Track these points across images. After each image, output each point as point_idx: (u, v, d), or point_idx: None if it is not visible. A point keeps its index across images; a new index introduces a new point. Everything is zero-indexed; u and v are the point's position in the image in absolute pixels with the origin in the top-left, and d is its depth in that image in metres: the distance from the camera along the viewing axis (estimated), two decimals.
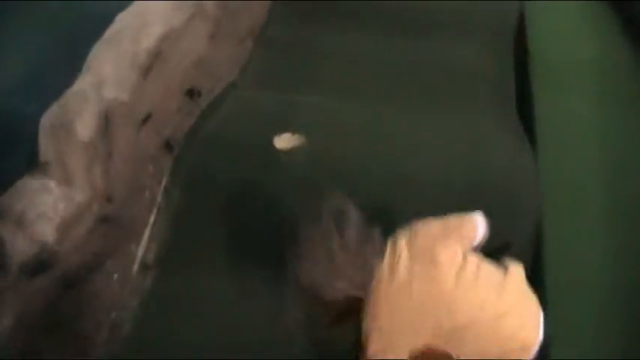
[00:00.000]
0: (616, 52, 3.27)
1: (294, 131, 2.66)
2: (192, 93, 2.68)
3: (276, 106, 2.84)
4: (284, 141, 2.65)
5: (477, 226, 1.23)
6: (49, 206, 1.93)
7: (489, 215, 2.09)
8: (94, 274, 2.13)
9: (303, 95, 2.38)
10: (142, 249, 2.40)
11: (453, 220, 1.22)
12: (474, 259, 1.10)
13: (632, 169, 2.66)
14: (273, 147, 2.65)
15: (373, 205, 2.03)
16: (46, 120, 2.03)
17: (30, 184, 1.96)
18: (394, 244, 1.18)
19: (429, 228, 1.20)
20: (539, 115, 2.71)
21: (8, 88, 1.93)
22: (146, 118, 2.40)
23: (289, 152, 2.61)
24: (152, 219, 2.47)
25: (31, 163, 2.00)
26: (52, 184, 1.98)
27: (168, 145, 2.57)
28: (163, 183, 2.56)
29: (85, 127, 2.05)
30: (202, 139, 2.71)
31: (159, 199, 2.53)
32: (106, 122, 2.14)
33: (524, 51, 3.12)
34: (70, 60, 2.20)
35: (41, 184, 1.97)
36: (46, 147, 2.01)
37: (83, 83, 2.20)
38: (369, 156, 2.54)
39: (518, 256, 1.87)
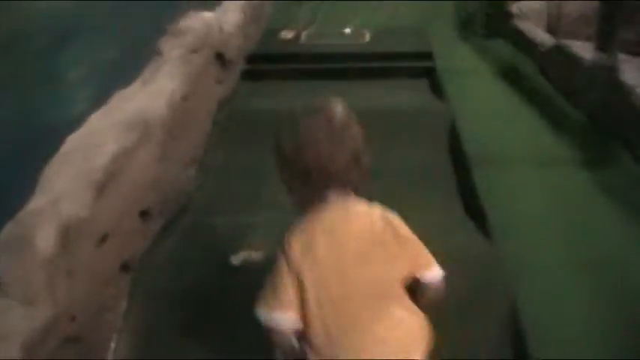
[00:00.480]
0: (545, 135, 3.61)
1: (248, 249, 2.61)
2: (145, 214, 2.59)
3: (229, 227, 2.81)
4: (239, 258, 2.58)
5: None
6: (12, 324, 1.75)
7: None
8: None
9: (254, 215, 2.40)
10: None
11: None
12: None
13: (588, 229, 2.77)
14: (230, 264, 2.58)
15: None
16: (5, 236, 1.89)
17: None
18: None
19: None
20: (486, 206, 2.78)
21: None
22: (104, 238, 2.28)
23: (245, 267, 2.54)
24: (113, 345, 2.29)
25: None
26: (13, 303, 1.81)
27: (125, 267, 2.44)
28: (123, 305, 2.41)
29: (45, 241, 1.91)
30: (159, 261, 2.61)
31: (119, 322, 2.37)
32: (67, 237, 2.00)
33: (460, 151, 3.27)
34: (20, 179, 2.10)
35: (2, 303, 1.79)
36: (4, 266, 1.85)
37: (39, 202, 2.08)
38: None
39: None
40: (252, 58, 4.89)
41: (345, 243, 1.58)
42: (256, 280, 2.03)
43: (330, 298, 1.53)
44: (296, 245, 1.57)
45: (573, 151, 3.39)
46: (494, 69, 4.61)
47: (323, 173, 1.59)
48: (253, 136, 3.25)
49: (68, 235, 2.02)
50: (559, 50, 4.18)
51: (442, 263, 2.24)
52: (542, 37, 4.63)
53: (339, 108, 1.68)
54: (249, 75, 4.70)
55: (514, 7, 5.10)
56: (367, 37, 5.28)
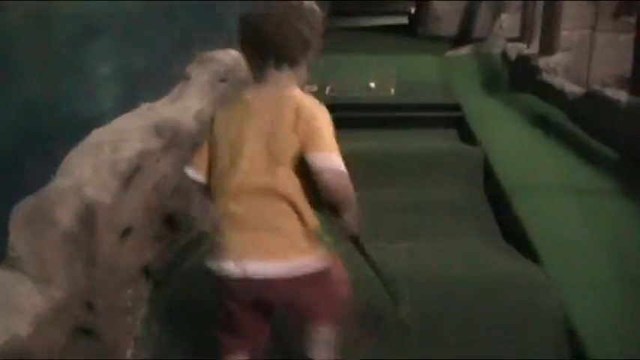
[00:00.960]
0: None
1: None
2: (171, 222, 2.46)
3: None
4: None
5: None
6: (23, 298, 1.59)
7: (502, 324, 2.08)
8: None
9: None
10: None
11: None
12: None
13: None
14: None
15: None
16: (20, 210, 1.75)
17: (4, 273, 1.63)
18: None
19: None
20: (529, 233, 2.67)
21: None
22: (127, 231, 2.13)
23: None
24: (130, 352, 2.11)
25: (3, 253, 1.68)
26: (26, 278, 1.65)
27: (147, 271, 2.28)
28: (142, 312, 2.24)
29: (66, 219, 1.77)
30: (183, 273, 2.45)
31: (138, 330, 2.19)
32: (89, 220, 1.87)
33: (497, 185, 3.18)
34: (42, 161, 1.98)
35: (14, 276, 1.64)
36: (19, 238, 1.70)
37: (61, 183, 1.96)
38: None
39: None
40: None
41: (253, 125, 1.66)
42: None
43: (223, 168, 1.66)
44: (218, 118, 1.74)
45: (608, 183, 3.29)
46: (523, 118, 4.54)
47: (264, 43, 1.67)
48: None
49: (91, 218, 1.88)
50: (592, 96, 4.11)
51: (488, 288, 2.26)
52: (571, 87, 4.57)
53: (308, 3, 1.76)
54: None
55: (541, 62, 5.07)
56: (392, 90, 5.25)
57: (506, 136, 4.19)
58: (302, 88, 1.74)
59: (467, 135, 4.32)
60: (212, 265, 1.64)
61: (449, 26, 7.88)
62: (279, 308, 1.78)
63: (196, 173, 1.73)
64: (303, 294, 1.67)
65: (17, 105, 1.82)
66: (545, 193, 3.19)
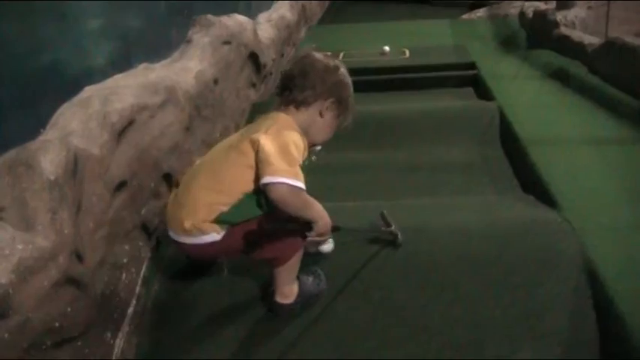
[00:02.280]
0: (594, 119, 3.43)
1: None
2: (170, 180, 2.38)
3: None
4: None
5: None
6: (5, 245, 1.52)
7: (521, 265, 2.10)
8: (61, 352, 1.66)
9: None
10: (121, 342, 1.94)
11: None
12: None
13: None
14: None
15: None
16: (4, 159, 1.68)
17: None
18: None
19: None
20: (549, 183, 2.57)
21: None
22: (120, 185, 2.06)
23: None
24: (131, 310, 2.04)
25: None
26: (6, 225, 1.58)
27: (145, 227, 2.21)
28: (142, 270, 2.17)
29: (51, 164, 1.70)
30: None
31: (138, 288, 2.12)
32: (75, 167, 1.79)
33: (514, 137, 3.08)
34: (31, 115, 1.91)
35: None
36: (1, 187, 1.63)
37: (49, 135, 1.89)
38: None
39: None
40: None
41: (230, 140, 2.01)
42: None
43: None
44: None
45: (629, 131, 3.17)
46: (541, 72, 4.40)
47: (281, 79, 2.04)
48: None
49: (77, 167, 1.80)
50: (611, 45, 3.95)
51: (507, 234, 2.24)
52: (589, 38, 4.41)
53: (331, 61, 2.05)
54: None
55: (558, 16, 4.90)
56: (407, 53, 5.13)
57: (523, 89, 4.07)
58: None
59: (483, 92, 4.21)
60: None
61: None
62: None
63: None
64: (223, 254, 2.00)
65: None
66: (564, 143, 3.08)
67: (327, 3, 8.22)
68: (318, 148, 2.08)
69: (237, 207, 1.85)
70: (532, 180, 2.81)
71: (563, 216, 2.34)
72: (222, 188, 1.85)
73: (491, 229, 2.30)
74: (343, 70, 2.04)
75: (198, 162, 2.04)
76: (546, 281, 2.10)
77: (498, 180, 3.03)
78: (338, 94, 2.00)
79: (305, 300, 2.04)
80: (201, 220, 1.85)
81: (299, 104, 1.98)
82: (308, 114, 1.99)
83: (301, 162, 1.86)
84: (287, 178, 1.75)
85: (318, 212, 1.83)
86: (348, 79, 2.06)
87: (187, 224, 1.86)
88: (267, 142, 1.82)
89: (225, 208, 1.84)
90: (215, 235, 1.86)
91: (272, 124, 1.91)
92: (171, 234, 1.93)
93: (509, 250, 2.20)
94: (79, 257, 1.74)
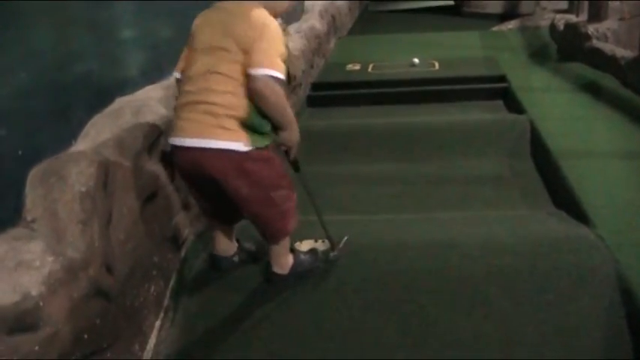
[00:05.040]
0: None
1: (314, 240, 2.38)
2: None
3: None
4: (306, 246, 2.34)
5: None
6: (36, 257, 1.53)
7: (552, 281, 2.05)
8: None
9: (309, 215, 2.21)
10: (149, 354, 1.94)
11: None
12: None
13: None
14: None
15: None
16: (37, 170, 1.70)
17: (15, 231, 1.58)
18: None
19: None
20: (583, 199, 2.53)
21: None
22: (151, 196, 2.07)
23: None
24: (159, 322, 2.04)
25: (18, 212, 1.63)
26: (38, 236, 1.60)
27: (174, 240, 2.21)
28: (171, 283, 2.17)
29: (82, 175, 1.71)
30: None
31: (166, 300, 2.13)
32: (106, 178, 1.80)
33: (545, 151, 3.04)
34: (65, 126, 1.93)
35: (27, 233, 1.59)
36: (33, 198, 1.65)
37: (80, 146, 1.91)
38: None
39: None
40: (318, 86, 4.78)
41: (217, 30, 1.90)
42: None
43: (190, 59, 1.93)
44: (196, 23, 1.97)
45: None
46: (572, 85, 4.34)
47: None
48: (312, 149, 3.26)
49: (108, 177, 1.81)
50: None
51: (539, 251, 2.21)
52: (622, 51, 4.35)
53: None
54: (315, 101, 4.58)
55: (590, 29, 4.84)
56: (437, 65, 5.11)
57: (555, 102, 4.02)
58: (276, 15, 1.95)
59: (513, 105, 4.17)
60: (169, 138, 1.92)
61: (494, 3, 7.68)
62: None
63: (176, 72, 2.00)
64: (231, 176, 1.87)
65: (33, 65, 1.77)
66: (596, 157, 3.03)
67: (356, 13, 8.22)
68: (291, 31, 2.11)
69: (251, 114, 1.87)
70: (564, 194, 2.77)
71: (596, 232, 2.30)
72: (232, 90, 1.85)
73: (523, 245, 2.26)
74: None
75: (193, 67, 1.92)
76: (579, 298, 2.07)
77: (529, 194, 3.00)
78: None
79: (298, 273, 2.16)
80: (228, 124, 1.84)
81: None
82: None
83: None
84: (272, 70, 1.82)
85: (291, 115, 1.93)
86: None
87: (215, 126, 1.84)
88: (255, 37, 1.84)
89: (243, 114, 1.85)
90: (241, 145, 1.85)
91: (246, 18, 1.87)
92: (185, 141, 1.87)
93: (541, 266, 2.17)
94: (109, 269, 1.75)
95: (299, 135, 1.99)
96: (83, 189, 1.70)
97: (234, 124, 1.84)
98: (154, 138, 2.13)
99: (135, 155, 1.98)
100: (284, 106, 1.90)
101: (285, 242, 2.10)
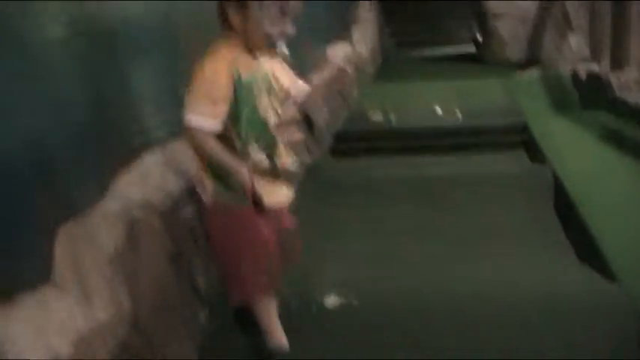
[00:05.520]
0: None
1: None
2: None
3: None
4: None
5: None
6: (65, 317, 1.55)
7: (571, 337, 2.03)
8: None
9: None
10: None
11: None
12: None
13: None
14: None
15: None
16: (65, 230, 1.73)
17: (45, 290, 1.60)
18: None
19: None
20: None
21: (28, 194, 1.66)
22: (177, 255, 2.10)
23: None
24: None
25: (46, 272, 1.66)
26: (67, 297, 1.62)
27: (199, 295, 2.23)
28: (196, 338, 2.18)
29: (112, 237, 1.75)
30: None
31: (193, 357, 2.14)
32: (134, 237, 1.84)
33: (568, 203, 3.04)
34: (93, 184, 1.96)
35: (56, 292, 1.62)
36: (62, 257, 1.68)
37: (109, 205, 1.94)
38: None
39: None
40: (341, 136, 4.82)
41: None
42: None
43: None
44: None
45: None
46: (595, 135, 4.34)
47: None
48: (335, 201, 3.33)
49: (137, 239, 1.85)
50: None
51: (562, 305, 2.26)
52: None
53: None
54: (338, 151, 4.62)
55: (612, 78, 4.85)
56: (459, 114, 5.14)
57: (577, 153, 4.02)
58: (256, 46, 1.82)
59: (535, 155, 4.18)
60: None
61: (515, 51, 7.74)
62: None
63: None
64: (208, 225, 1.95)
65: (63, 122, 1.81)
66: (619, 210, 3.02)
67: (379, 61, 8.32)
68: (284, 49, 1.91)
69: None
70: (587, 247, 2.77)
71: (620, 288, 2.29)
72: None
73: (545, 299, 2.28)
74: None
75: None
76: (605, 356, 2.05)
77: (552, 246, 2.99)
78: None
79: None
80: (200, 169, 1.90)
81: (223, 22, 1.82)
82: (234, 24, 1.80)
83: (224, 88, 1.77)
84: (191, 114, 1.76)
85: (225, 159, 1.81)
86: None
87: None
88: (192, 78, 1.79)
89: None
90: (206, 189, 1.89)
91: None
92: None
93: (565, 323, 2.18)
94: (137, 328, 1.77)
95: (248, 178, 1.83)
96: (112, 249, 1.73)
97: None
98: (182, 197, 2.16)
99: (162, 213, 2.02)
100: (211, 152, 1.80)
101: (266, 313, 2.05)
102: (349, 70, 5.93)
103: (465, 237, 3.16)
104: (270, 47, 1.83)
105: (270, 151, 1.92)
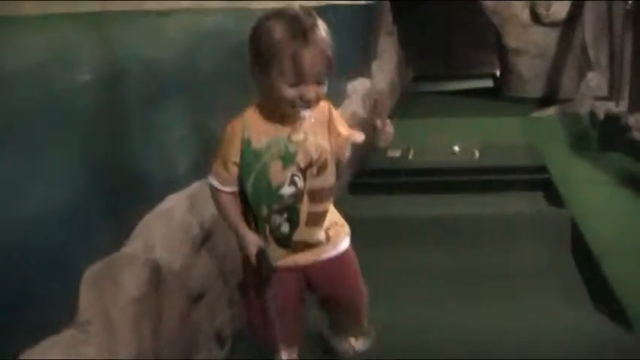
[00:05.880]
0: None
1: None
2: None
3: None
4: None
5: None
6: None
7: None
8: None
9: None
10: None
11: None
12: None
13: None
14: None
15: None
16: (90, 273, 1.77)
17: (69, 333, 1.64)
18: None
19: None
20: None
21: (55, 235, 1.71)
22: (199, 297, 2.14)
23: None
24: None
25: (72, 314, 1.70)
26: (92, 341, 1.66)
27: (219, 338, 2.26)
28: None
29: (135, 279, 1.79)
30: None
31: None
32: (157, 281, 1.88)
33: (586, 249, 3.05)
34: (118, 225, 2.01)
35: (80, 337, 1.65)
36: (87, 300, 1.72)
37: (132, 247, 1.99)
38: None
39: None
40: (360, 173, 4.86)
41: None
42: None
43: None
44: None
45: None
46: (613, 179, 4.35)
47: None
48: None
49: (160, 282, 1.89)
50: None
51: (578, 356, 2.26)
52: None
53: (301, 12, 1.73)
54: (357, 188, 4.65)
55: (631, 120, 4.87)
56: (477, 153, 5.17)
57: (595, 197, 4.03)
58: (278, 105, 1.74)
59: (553, 197, 4.19)
60: None
61: (534, 87, 7.78)
62: None
63: None
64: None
65: (88, 165, 1.86)
66: (638, 257, 3.02)
67: (397, 95, 8.38)
68: (306, 113, 1.77)
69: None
70: (604, 295, 2.77)
71: (636, 336, 2.29)
72: None
73: (562, 347, 2.30)
74: (268, 23, 1.71)
75: None
76: None
77: (569, 292, 2.99)
78: (254, 49, 1.74)
79: None
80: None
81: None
82: (259, 85, 1.76)
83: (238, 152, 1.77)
84: (210, 175, 1.84)
85: (233, 223, 1.84)
86: (267, 27, 1.70)
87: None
88: None
89: None
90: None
91: None
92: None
93: None
94: None
95: (251, 243, 1.81)
96: (136, 293, 1.77)
97: None
98: (204, 238, 2.20)
99: (185, 257, 2.05)
100: (221, 213, 1.88)
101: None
102: (368, 106, 5.97)
103: (482, 279, 3.18)
104: (292, 111, 1.74)
105: (291, 219, 1.84)
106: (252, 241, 1.81)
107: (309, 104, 1.72)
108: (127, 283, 1.77)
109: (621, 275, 2.77)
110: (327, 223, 1.91)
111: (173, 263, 1.99)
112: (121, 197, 2.04)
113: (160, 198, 2.26)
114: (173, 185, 2.35)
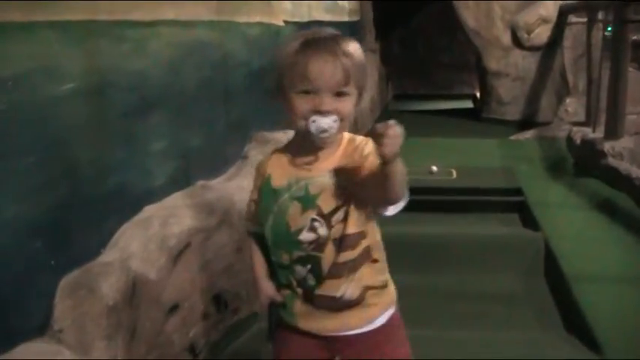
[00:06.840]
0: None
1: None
2: (219, 301, 2.45)
3: None
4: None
5: None
6: None
7: None
8: None
9: None
10: None
11: None
12: None
13: None
14: None
15: None
16: (66, 282, 1.77)
17: (42, 342, 1.64)
18: None
19: None
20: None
21: (30, 244, 1.71)
22: (173, 308, 2.13)
23: None
24: None
25: (45, 323, 1.70)
26: (65, 350, 1.66)
27: (193, 350, 2.26)
28: None
29: (110, 289, 1.79)
30: (228, 355, 2.43)
31: None
32: (133, 292, 1.88)
33: (559, 273, 3.09)
34: (91, 234, 2.01)
35: (53, 346, 1.65)
36: (62, 309, 1.72)
37: (108, 256, 1.98)
38: None
39: None
40: None
41: None
42: None
43: None
44: None
45: None
46: (588, 203, 4.40)
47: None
48: None
49: (135, 292, 1.89)
50: None
51: None
52: (638, 172, 4.43)
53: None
54: None
55: (606, 146, 4.95)
56: (454, 174, 5.21)
57: (570, 221, 4.08)
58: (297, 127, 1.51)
59: (528, 220, 4.22)
60: None
61: (513, 110, 7.86)
62: None
63: None
64: None
65: (67, 176, 1.86)
66: (610, 282, 3.07)
67: (377, 112, 8.44)
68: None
69: None
70: (575, 319, 2.79)
71: None
72: None
73: None
74: (287, 41, 1.56)
75: None
76: None
77: (541, 315, 3.02)
78: (273, 68, 1.57)
79: None
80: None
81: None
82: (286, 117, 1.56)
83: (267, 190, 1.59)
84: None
85: (253, 269, 1.67)
86: (284, 44, 1.56)
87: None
88: None
89: None
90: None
91: None
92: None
93: None
94: None
95: (262, 292, 1.66)
96: (111, 303, 1.77)
97: None
98: (180, 250, 2.20)
99: (160, 268, 2.05)
100: (249, 251, 1.72)
101: None
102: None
103: (455, 301, 3.20)
104: (307, 130, 1.48)
105: (314, 269, 1.56)
106: (265, 290, 1.65)
107: (326, 130, 1.48)
108: (103, 293, 1.76)
109: (593, 300, 2.81)
110: (363, 281, 1.60)
111: (149, 274, 1.99)
112: (97, 207, 2.04)
113: (138, 208, 2.27)
114: (151, 196, 2.36)
